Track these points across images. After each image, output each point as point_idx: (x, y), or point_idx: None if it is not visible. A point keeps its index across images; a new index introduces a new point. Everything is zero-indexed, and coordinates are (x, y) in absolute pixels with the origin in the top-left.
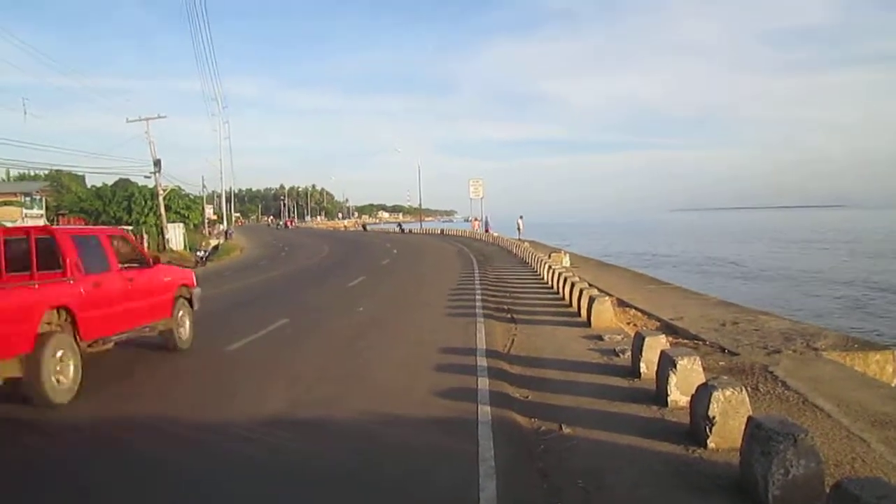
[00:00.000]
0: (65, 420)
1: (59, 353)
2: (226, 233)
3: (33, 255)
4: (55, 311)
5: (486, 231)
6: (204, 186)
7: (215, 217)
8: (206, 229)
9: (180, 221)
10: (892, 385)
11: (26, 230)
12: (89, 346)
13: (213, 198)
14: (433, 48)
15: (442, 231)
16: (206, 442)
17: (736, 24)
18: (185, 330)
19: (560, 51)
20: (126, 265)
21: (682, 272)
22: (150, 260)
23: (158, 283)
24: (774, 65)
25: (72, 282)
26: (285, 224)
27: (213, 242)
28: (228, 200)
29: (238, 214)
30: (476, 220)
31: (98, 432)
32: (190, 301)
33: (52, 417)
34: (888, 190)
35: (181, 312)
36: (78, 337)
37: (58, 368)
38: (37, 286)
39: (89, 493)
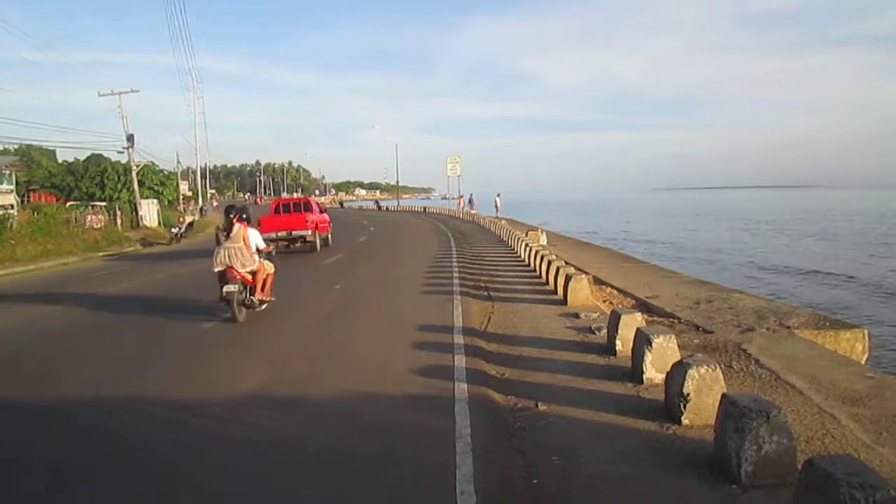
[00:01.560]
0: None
1: (310, 234)
2: (201, 209)
3: (302, 206)
4: (315, 224)
5: (472, 209)
6: (179, 162)
7: (190, 193)
8: (181, 206)
9: (154, 197)
10: (862, 363)
11: (298, 199)
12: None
13: (188, 174)
14: (412, 26)
15: (424, 209)
16: (182, 419)
17: (715, 4)
18: (330, 238)
19: (540, 29)
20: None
21: (655, 253)
22: (324, 209)
23: (326, 218)
24: (754, 47)
25: (315, 215)
26: (255, 200)
27: (189, 219)
28: (204, 176)
29: (213, 191)
30: (461, 197)
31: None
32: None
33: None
34: (862, 171)
35: (330, 231)
36: (318, 233)
37: (317, 240)
38: (313, 215)
39: None
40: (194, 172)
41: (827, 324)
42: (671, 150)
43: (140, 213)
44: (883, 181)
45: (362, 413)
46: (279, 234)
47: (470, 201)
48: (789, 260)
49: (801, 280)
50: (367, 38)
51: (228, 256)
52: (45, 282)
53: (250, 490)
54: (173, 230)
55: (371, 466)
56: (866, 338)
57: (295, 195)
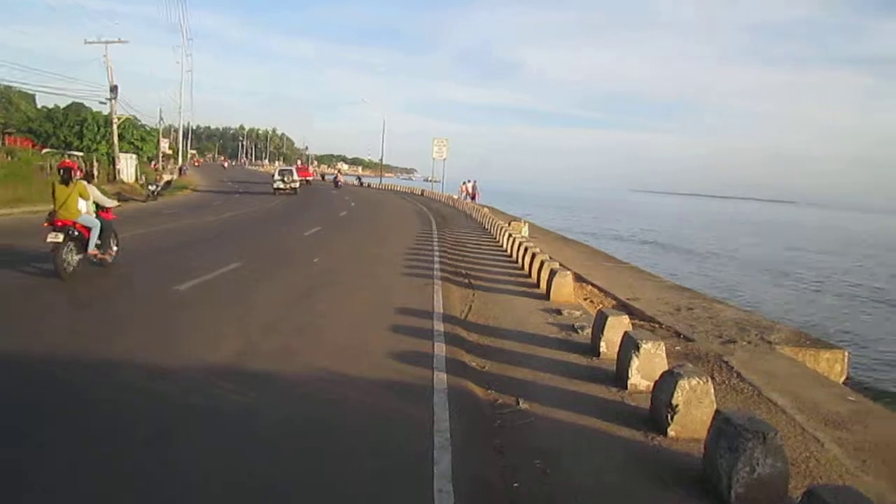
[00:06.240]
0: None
1: (312, 179)
2: (180, 169)
3: (297, 170)
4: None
5: (473, 199)
6: (161, 119)
7: (170, 152)
8: (160, 163)
9: (133, 153)
10: (841, 384)
11: (304, 165)
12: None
13: (169, 132)
14: (412, 4)
15: (422, 192)
16: (146, 387)
17: (714, 12)
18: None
19: (538, 21)
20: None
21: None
22: (300, 172)
23: (304, 175)
24: (748, 58)
25: (305, 171)
26: (221, 164)
27: (167, 178)
28: (185, 136)
29: (194, 152)
30: (465, 184)
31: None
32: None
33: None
34: (845, 191)
35: (301, 182)
36: (303, 177)
37: (295, 186)
38: (306, 171)
39: None
40: (176, 131)
41: (807, 342)
42: (654, 153)
43: (118, 166)
44: (862, 204)
45: (337, 396)
46: (303, 178)
47: (473, 190)
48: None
49: None
50: (364, 13)
51: None
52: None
53: (207, 473)
54: (150, 187)
55: (344, 454)
56: (846, 359)
57: (277, 163)
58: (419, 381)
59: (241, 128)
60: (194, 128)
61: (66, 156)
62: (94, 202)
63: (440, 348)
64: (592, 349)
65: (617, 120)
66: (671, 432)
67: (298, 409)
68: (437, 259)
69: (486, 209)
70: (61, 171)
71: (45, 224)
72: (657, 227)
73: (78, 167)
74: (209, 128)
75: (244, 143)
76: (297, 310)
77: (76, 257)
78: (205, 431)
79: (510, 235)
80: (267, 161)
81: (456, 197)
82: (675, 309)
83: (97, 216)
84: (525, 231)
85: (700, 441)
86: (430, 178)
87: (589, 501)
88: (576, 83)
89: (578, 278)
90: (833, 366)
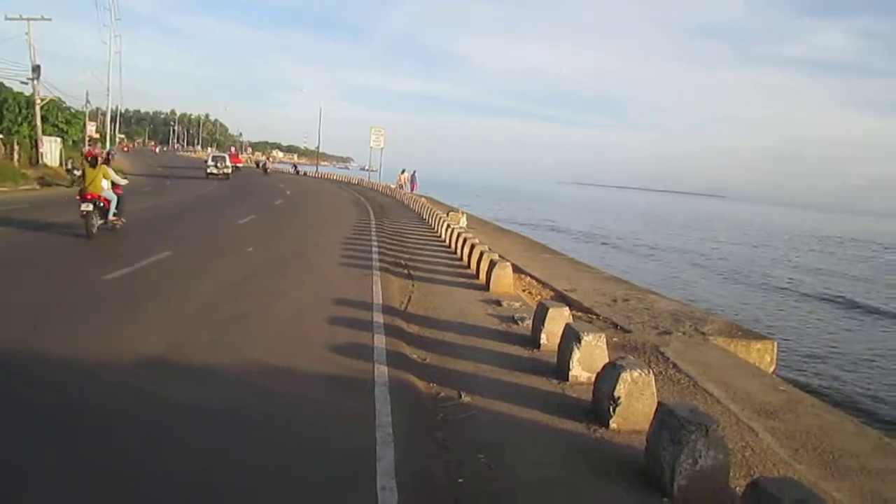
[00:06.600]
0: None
1: (230, 168)
2: (107, 154)
3: (231, 157)
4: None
5: (412, 190)
6: (88, 102)
7: (97, 136)
8: (87, 147)
9: (58, 136)
10: (771, 374)
11: (236, 152)
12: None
13: (96, 115)
14: None
15: (359, 181)
16: (73, 383)
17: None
18: (240, 166)
19: (473, 11)
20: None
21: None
22: (232, 158)
23: (235, 161)
24: (678, 55)
25: (236, 158)
26: (152, 150)
27: None
28: (114, 120)
29: (123, 136)
30: (403, 173)
31: None
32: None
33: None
34: (770, 187)
35: (232, 168)
36: (234, 164)
37: (227, 172)
38: (237, 158)
39: None
40: (104, 114)
41: (739, 333)
42: (582, 145)
43: (41, 150)
44: (775, 197)
45: (275, 390)
46: (234, 164)
47: (412, 179)
48: None
49: None
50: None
51: None
52: None
53: (141, 475)
54: (76, 172)
55: (285, 451)
56: (775, 349)
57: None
58: (360, 374)
59: (173, 112)
60: (123, 111)
61: None
62: (111, 181)
63: (380, 340)
64: (533, 341)
65: (544, 112)
66: (613, 424)
67: (232, 403)
68: (375, 249)
69: (424, 199)
70: (89, 158)
71: (78, 197)
72: (586, 219)
73: (100, 154)
74: (139, 112)
75: (176, 128)
76: (232, 301)
77: (99, 222)
78: (139, 423)
79: (449, 226)
80: (200, 147)
81: (393, 186)
82: (612, 300)
83: (112, 191)
84: (463, 221)
85: (642, 433)
86: (366, 168)
87: (533, 496)
88: (504, 75)
89: (517, 269)
90: (763, 356)
